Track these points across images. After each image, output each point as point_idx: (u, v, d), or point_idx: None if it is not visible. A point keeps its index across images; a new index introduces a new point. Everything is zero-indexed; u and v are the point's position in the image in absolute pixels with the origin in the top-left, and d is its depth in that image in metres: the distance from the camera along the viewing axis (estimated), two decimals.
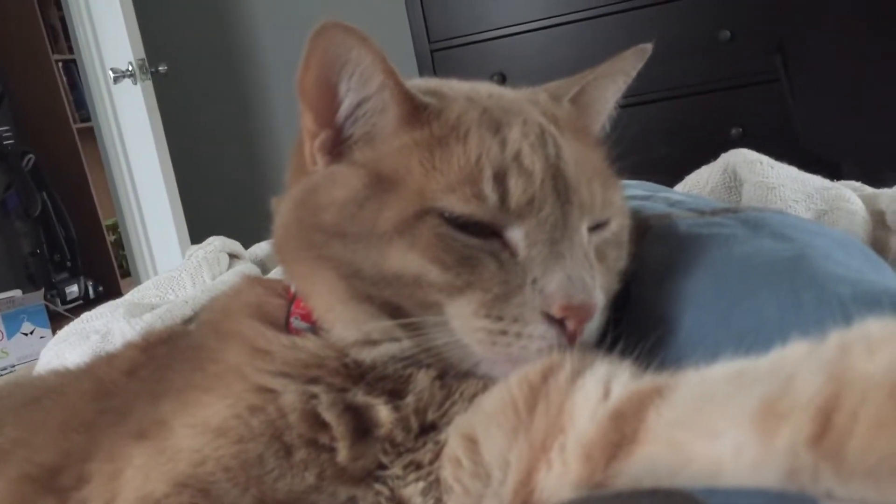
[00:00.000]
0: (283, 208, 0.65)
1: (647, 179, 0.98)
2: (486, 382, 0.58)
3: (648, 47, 0.69)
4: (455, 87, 0.67)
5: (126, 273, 4.15)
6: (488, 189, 0.56)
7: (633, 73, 0.70)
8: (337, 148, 0.62)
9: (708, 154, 1.13)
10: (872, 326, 0.37)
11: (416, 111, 0.60)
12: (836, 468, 0.34)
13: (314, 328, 0.62)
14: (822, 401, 0.35)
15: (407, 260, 0.56)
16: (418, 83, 0.65)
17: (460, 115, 0.60)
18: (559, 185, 0.59)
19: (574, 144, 0.62)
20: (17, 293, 2.85)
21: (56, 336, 1.24)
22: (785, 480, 0.36)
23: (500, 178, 0.57)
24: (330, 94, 0.61)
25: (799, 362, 0.38)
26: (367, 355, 0.59)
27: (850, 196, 0.97)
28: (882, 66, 1.88)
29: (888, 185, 1.03)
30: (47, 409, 0.69)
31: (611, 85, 0.70)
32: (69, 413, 0.67)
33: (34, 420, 0.68)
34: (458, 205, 0.56)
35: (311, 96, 0.61)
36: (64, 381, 0.76)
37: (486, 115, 0.61)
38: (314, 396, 0.56)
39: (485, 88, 0.67)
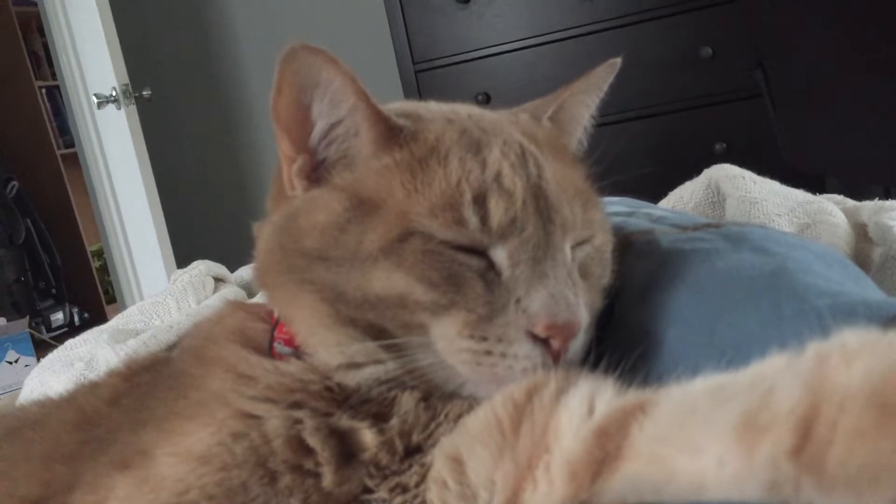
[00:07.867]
0: (264, 234, 0.65)
1: (632, 196, 0.98)
2: (472, 403, 0.57)
3: (618, 61, 0.70)
4: (433, 108, 0.67)
5: (112, 299, 4.12)
6: (469, 213, 0.57)
7: (605, 88, 0.71)
8: (315, 172, 0.62)
9: (692, 170, 1.14)
10: (849, 337, 0.37)
11: (390, 133, 0.60)
12: (817, 479, 0.34)
13: (297, 353, 0.61)
14: (801, 412, 0.35)
15: (392, 280, 0.56)
16: (394, 106, 0.65)
17: (439, 136, 0.60)
18: (541, 204, 0.59)
19: (555, 163, 0.63)
20: (1, 321, 2.82)
21: (40, 364, 1.22)
22: (768, 493, 0.36)
23: (480, 200, 0.57)
24: (303, 117, 0.61)
25: (778, 375, 0.38)
26: (352, 379, 0.59)
27: (833, 209, 0.98)
28: (863, 80, 1.90)
29: (870, 197, 1.04)
30: (29, 441, 0.68)
31: (586, 100, 0.71)
32: (51, 444, 0.66)
33: (15, 452, 0.67)
34: (440, 230, 0.56)
35: (286, 121, 0.61)
36: (45, 411, 0.75)
37: (466, 136, 0.61)
38: (298, 421, 0.56)
39: (464, 109, 0.68)
